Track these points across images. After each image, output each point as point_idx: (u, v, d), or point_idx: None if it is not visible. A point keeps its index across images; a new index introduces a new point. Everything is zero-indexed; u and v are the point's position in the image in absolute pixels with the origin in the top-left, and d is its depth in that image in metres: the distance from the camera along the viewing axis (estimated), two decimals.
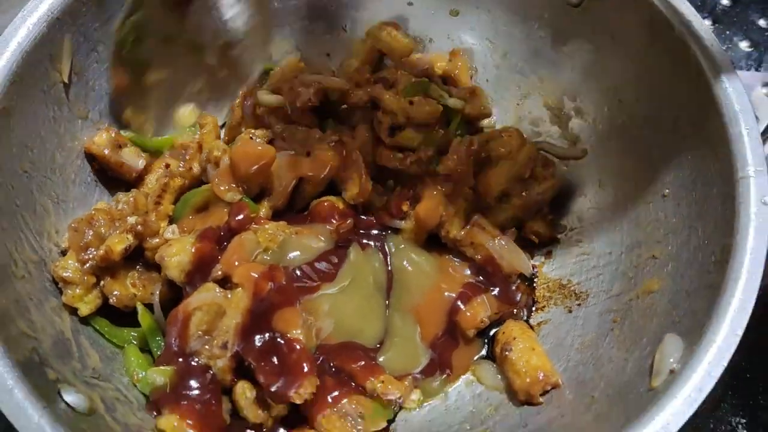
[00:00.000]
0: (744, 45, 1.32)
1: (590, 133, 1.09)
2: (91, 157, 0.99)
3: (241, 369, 0.86)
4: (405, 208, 1.02)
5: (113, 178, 1.03)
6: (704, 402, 0.69)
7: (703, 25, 0.90)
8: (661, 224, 0.93)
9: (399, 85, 1.03)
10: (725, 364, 0.70)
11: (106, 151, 0.99)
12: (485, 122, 1.13)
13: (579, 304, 0.99)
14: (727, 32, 1.33)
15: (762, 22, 1.35)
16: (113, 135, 1.00)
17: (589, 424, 0.79)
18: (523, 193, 1.04)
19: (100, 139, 0.99)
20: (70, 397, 0.74)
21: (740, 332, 0.72)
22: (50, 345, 0.80)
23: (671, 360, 0.74)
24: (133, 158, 1.02)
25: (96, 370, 0.84)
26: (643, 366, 0.80)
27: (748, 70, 1.27)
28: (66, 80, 0.93)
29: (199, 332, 0.85)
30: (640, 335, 0.85)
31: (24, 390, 0.68)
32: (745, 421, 1.07)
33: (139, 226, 0.92)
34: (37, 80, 0.89)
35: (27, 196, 0.88)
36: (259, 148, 0.97)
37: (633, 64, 1.00)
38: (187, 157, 1.03)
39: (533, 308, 1.04)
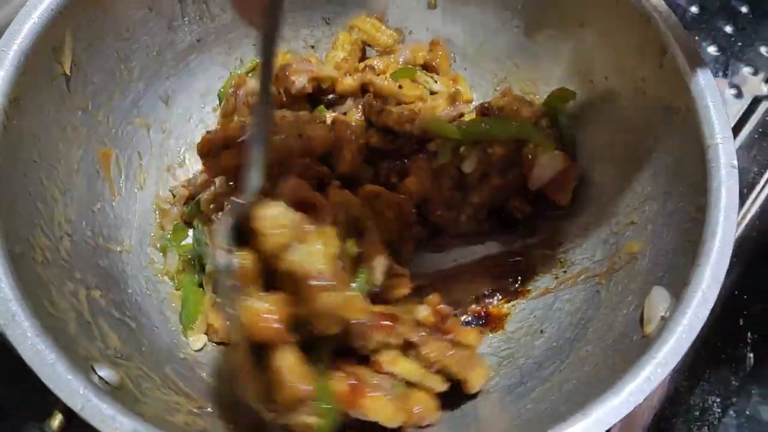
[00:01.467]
0: (712, 50, 1.44)
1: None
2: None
3: None
4: (393, 179, 1.07)
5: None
6: (684, 379, 0.77)
7: (665, 8, 0.99)
8: (638, 194, 1.01)
9: (387, 72, 1.09)
10: (710, 307, 0.78)
11: None
12: (465, 108, 1.19)
13: (564, 271, 1.07)
14: (696, 38, 1.44)
15: (728, 29, 1.47)
16: None
17: (587, 373, 0.86)
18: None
19: None
20: (103, 372, 0.77)
21: (721, 279, 0.80)
22: (75, 326, 0.82)
23: (660, 309, 0.82)
24: None
25: (117, 350, 0.86)
26: (633, 319, 0.88)
27: (716, 73, 1.39)
28: (68, 72, 0.95)
29: None
30: (626, 294, 0.93)
31: (65, 364, 0.71)
32: (719, 400, 1.17)
33: None
34: (41, 72, 0.91)
35: (37, 184, 0.89)
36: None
37: (601, 46, 1.09)
38: None
39: (522, 278, 1.10)
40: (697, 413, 1.19)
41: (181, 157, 1.19)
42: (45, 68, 0.92)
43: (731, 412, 1.19)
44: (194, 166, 1.18)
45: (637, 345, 0.82)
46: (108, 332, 0.88)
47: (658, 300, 0.84)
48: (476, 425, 0.91)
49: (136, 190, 1.10)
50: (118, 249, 1.02)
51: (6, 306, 0.73)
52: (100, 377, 0.76)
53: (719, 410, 1.19)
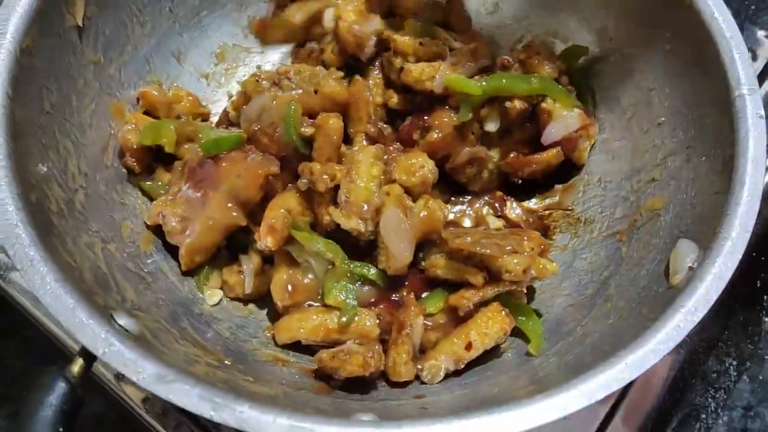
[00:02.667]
0: None
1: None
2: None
3: None
4: (416, 137, 1.05)
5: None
6: (702, 341, 0.76)
7: None
8: (659, 149, 1.00)
9: (406, 28, 1.07)
10: (739, 257, 0.78)
11: None
12: (485, 63, 1.17)
13: (583, 230, 1.06)
14: None
15: None
16: None
17: (611, 325, 0.85)
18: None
19: None
20: (123, 320, 0.75)
21: (750, 229, 0.79)
22: (92, 277, 0.81)
23: (688, 260, 0.81)
24: None
25: (134, 302, 0.85)
26: (657, 273, 0.87)
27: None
28: (80, 24, 0.93)
29: None
30: (649, 249, 0.92)
31: (85, 309, 0.69)
32: (735, 363, 1.17)
33: None
34: (53, 22, 0.89)
35: (51, 135, 0.88)
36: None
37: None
38: None
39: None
40: (714, 376, 1.19)
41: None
42: (57, 18, 0.90)
43: (745, 377, 1.19)
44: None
45: (664, 296, 0.81)
46: (124, 285, 0.86)
47: (686, 252, 0.82)
48: (492, 381, 0.90)
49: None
50: (131, 204, 1.00)
51: (24, 252, 0.71)
52: (120, 325, 0.75)
53: (735, 374, 1.18)
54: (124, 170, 1.01)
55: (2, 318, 1.11)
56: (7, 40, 0.83)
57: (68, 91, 0.92)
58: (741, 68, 0.89)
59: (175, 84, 1.13)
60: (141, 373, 0.67)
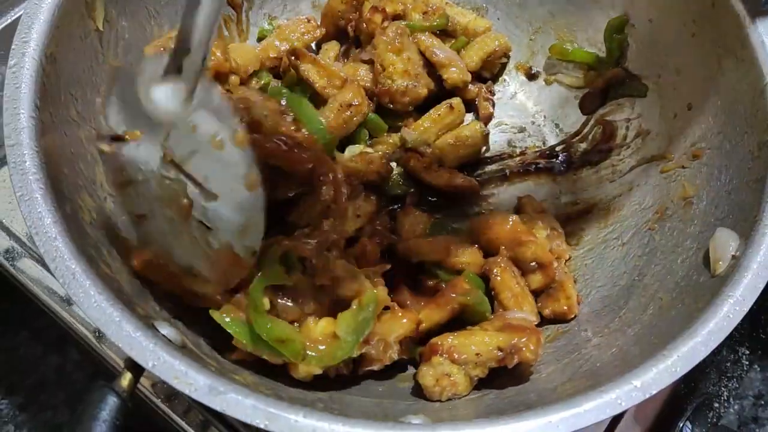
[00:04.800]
0: None
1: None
2: None
3: None
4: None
5: None
6: None
7: None
8: (688, 136, 0.99)
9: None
10: None
11: None
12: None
13: (614, 218, 1.05)
14: None
15: None
16: None
17: (652, 316, 0.85)
18: None
19: None
20: (165, 330, 0.74)
21: None
22: (129, 287, 0.80)
23: (730, 248, 0.81)
24: None
25: (171, 310, 0.84)
26: (694, 262, 0.86)
27: None
28: (101, 27, 0.91)
29: None
30: (684, 238, 0.92)
31: (131, 322, 0.68)
32: (748, 352, 1.16)
33: None
34: (75, 28, 0.88)
35: (78, 145, 0.86)
36: None
37: None
38: None
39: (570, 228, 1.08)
40: (728, 364, 1.18)
41: None
42: (78, 23, 0.88)
43: (756, 366, 1.18)
44: None
45: (708, 285, 0.80)
46: (160, 294, 0.85)
47: (726, 240, 0.82)
48: (534, 377, 0.89)
49: None
50: None
51: (65, 265, 0.70)
52: (163, 335, 0.74)
53: (747, 363, 1.18)
54: None
55: (12, 306, 1.11)
56: (31, 48, 0.81)
57: (92, 97, 0.91)
58: None
59: None
60: (192, 385, 0.66)
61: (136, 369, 0.70)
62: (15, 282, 1.04)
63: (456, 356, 0.83)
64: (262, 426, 0.65)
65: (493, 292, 0.95)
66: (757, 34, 0.90)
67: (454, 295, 0.90)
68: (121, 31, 0.97)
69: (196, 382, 0.66)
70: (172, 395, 0.93)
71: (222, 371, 0.75)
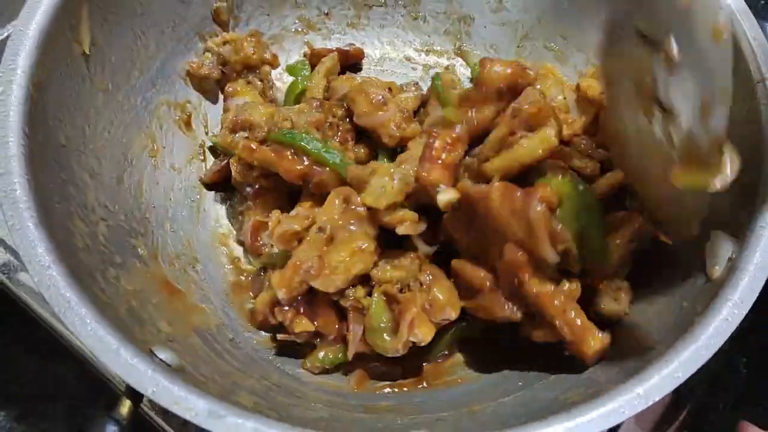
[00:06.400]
0: None
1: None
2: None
3: None
4: None
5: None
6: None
7: None
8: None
9: None
10: None
11: None
12: None
13: None
14: None
15: None
16: None
17: (653, 319, 0.85)
18: None
19: None
20: (163, 354, 0.74)
21: None
22: (124, 311, 0.79)
23: (725, 251, 0.81)
24: None
25: (168, 334, 0.83)
26: (692, 264, 0.86)
27: None
28: (87, 51, 0.91)
29: None
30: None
31: (129, 348, 0.68)
32: (745, 360, 1.16)
33: None
34: (61, 52, 0.87)
35: (69, 169, 0.86)
36: None
37: None
38: None
39: None
40: (726, 371, 1.16)
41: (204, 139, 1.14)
42: (65, 48, 0.88)
43: (753, 373, 1.17)
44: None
45: (706, 289, 0.80)
46: (155, 316, 0.85)
47: (721, 243, 0.82)
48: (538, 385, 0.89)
49: (167, 170, 1.06)
50: (151, 232, 0.98)
51: (60, 294, 0.69)
52: (161, 360, 0.73)
53: (744, 370, 1.17)
54: (143, 198, 0.99)
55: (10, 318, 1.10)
56: (18, 75, 0.81)
57: (81, 122, 0.90)
58: (761, 56, 0.89)
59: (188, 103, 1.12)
60: (193, 410, 0.65)
61: (136, 396, 0.69)
62: (12, 295, 1.03)
63: None
64: None
65: None
66: (745, 37, 0.90)
67: None
68: (108, 53, 0.96)
69: (196, 407, 0.65)
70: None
71: (222, 393, 0.75)
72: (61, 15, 0.86)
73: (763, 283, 0.75)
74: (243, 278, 1.03)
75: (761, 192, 0.81)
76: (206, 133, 1.14)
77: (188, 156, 1.10)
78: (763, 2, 1.41)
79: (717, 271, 0.80)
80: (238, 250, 1.06)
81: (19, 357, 1.16)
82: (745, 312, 0.73)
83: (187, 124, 1.12)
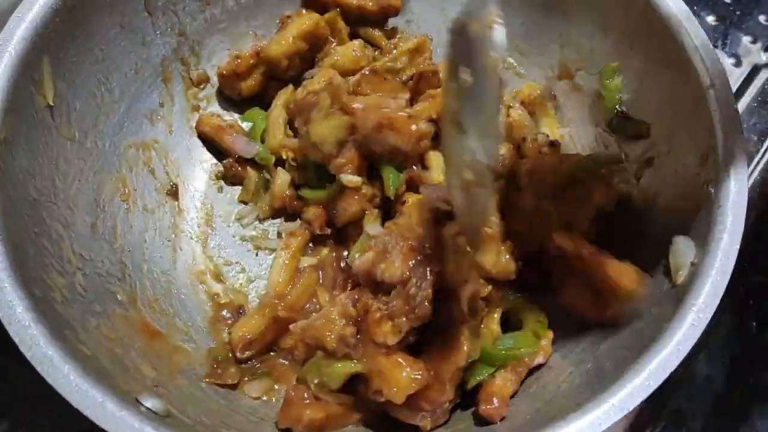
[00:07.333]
0: (710, 19, 1.44)
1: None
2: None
3: None
4: None
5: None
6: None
7: None
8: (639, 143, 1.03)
9: None
10: (737, 248, 0.80)
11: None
12: None
13: None
14: (695, 7, 1.42)
15: None
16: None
17: (623, 328, 0.87)
18: None
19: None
20: (149, 402, 0.75)
21: (743, 220, 0.82)
22: (108, 361, 0.80)
23: (687, 256, 0.83)
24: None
25: (153, 379, 0.84)
26: (657, 270, 0.89)
27: (714, 43, 1.37)
28: (51, 102, 0.91)
29: None
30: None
31: (114, 401, 0.69)
32: (724, 367, 1.16)
33: None
34: (25, 108, 0.87)
35: (41, 223, 0.86)
36: None
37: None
38: None
39: None
40: (704, 379, 1.16)
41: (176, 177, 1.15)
42: (29, 102, 0.88)
43: (732, 381, 1.17)
44: (191, 184, 1.16)
45: (671, 294, 0.83)
46: (140, 364, 0.86)
47: (684, 248, 0.85)
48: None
49: (140, 212, 1.07)
50: (129, 276, 0.99)
51: (42, 352, 0.70)
52: (147, 408, 0.74)
53: (723, 378, 1.17)
54: (116, 244, 1.00)
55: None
56: None
57: (51, 173, 0.91)
58: (707, 61, 0.92)
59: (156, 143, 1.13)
60: None
61: None
62: None
63: None
64: None
65: None
66: (691, 44, 0.93)
67: None
68: (72, 102, 0.96)
69: None
70: None
71: None
72: (23, 70, 0.86)
73: (725, 286, 0.78)
74: (223, 313, 1.04)
75: (719, 196, 0.84)
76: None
77: (160, 196, 1.11)
78: (738, 13, 1.44)
79: (681, 276, 0.83)
80: (216, 287, 1.07)
81: (8, 367, 1.14)
82: (709, 316, 0.76)
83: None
